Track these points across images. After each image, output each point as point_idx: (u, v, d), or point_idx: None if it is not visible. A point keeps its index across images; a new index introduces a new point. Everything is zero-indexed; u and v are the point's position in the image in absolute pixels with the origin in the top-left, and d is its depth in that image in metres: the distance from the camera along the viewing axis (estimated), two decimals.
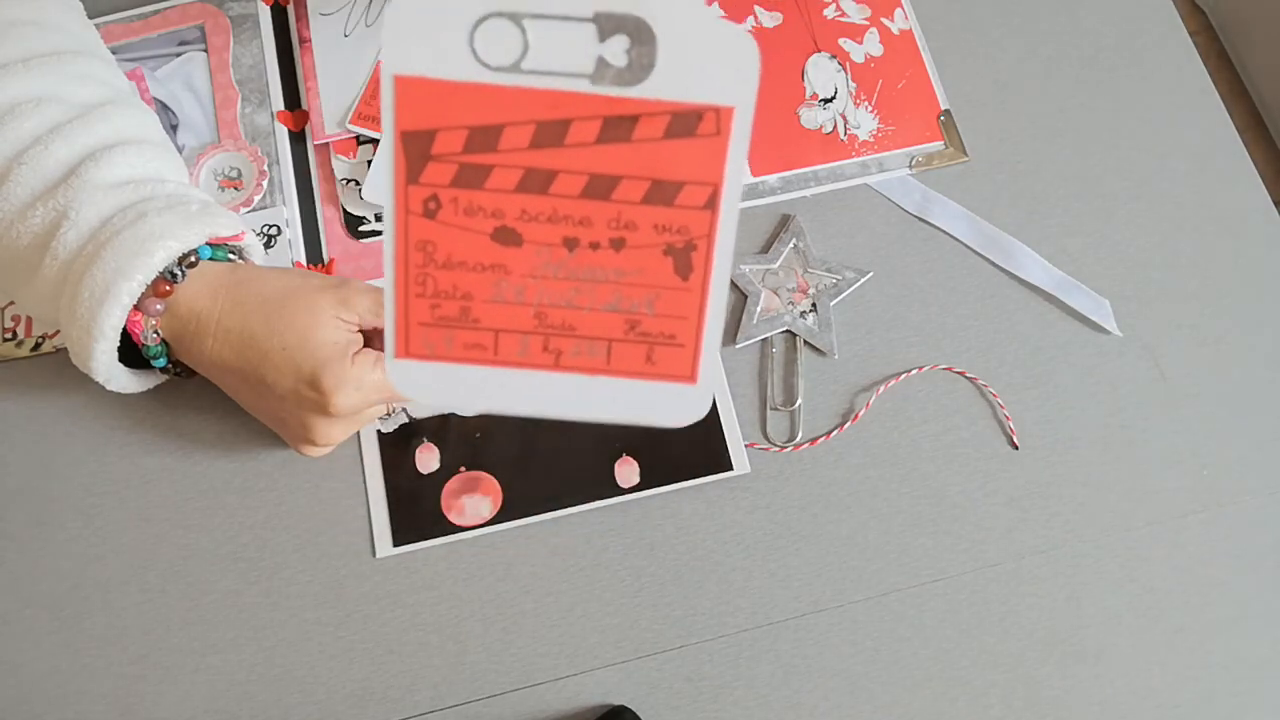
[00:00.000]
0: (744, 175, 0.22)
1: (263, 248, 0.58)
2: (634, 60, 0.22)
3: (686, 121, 0.23)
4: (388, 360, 0.26)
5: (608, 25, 0.22)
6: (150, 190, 0.51)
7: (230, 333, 0.50)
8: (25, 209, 0.49)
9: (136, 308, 0.49)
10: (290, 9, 0.68)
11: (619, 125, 0.22)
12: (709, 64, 0.22)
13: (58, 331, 0.61)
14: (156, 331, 0.51)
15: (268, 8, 0.68)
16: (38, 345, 0.60)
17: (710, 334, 0.24)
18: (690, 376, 0.24)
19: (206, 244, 0.51)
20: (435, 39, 0.22)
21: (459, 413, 0.28)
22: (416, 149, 0.23)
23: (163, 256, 0.48)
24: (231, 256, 0.54)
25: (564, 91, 0.22)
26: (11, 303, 0.62)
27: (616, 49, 0.22)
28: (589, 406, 0.25)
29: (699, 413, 0.24)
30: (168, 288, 0.50)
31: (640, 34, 0.22)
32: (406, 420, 0.58)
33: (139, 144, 0.53)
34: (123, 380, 0.53)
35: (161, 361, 0.53)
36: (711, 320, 0.24)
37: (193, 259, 0.51)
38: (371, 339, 0.52)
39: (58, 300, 0.50)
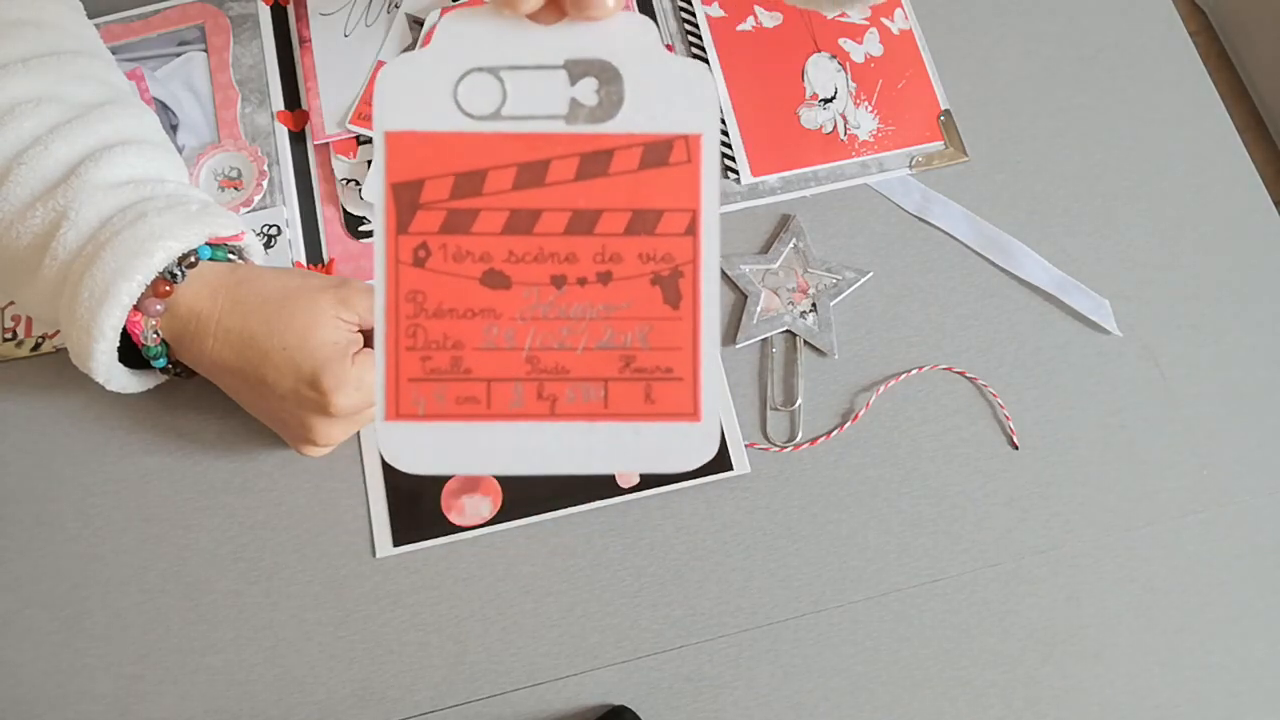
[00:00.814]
0: (719, 199, 0.23)
1: (262, 247, 0.58)
2: (604, 99, 0.24)
3: (659, 151, 0.24)
4: (378, 425, 0.25)
5: (576, 70, 0.24)
6: (150, 190, 0.51)
7: (230, 333, 0.50)
8: (25, 209, 0.49)
9: (136, 308, 0.49)
10: (290, 9, 0.68)
11: (596, 160, 0.24)
12: (672, 96, 0.23)
13: (58, 331, 0.61)
14: (156, 332, 0.51)
15: (268, 8, 0.68)
16: (38, 345, 0.60)
17: (708, 364, 0.24)
18: (693, 413, 0.24)
19: (206, 244, 0.51)
20: (422, 95, 0.24)
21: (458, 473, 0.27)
22: (406, 199, 0.24)
23: (162, 257, 0.48)
24: (231, 256, 0.54)
25: (542, 133, 0.24)
26: (12, 303, 0.62)
27: (587, 90, 0.24)
28: (591, 457, 0.25)
29: (708, 453, 0.24)
30: (167, 288, 0.50)
31: (607, 75, 0.24)
32: None
33: (139, 144, 0.53)
34: (122, 380, 0.53)
35: (161, 362, 0.53)
36: (707, 349, 0.24)
37: (192, 259, 0.51)
38: (371, 339, 0.52)
39: (57, 300, 0.50)
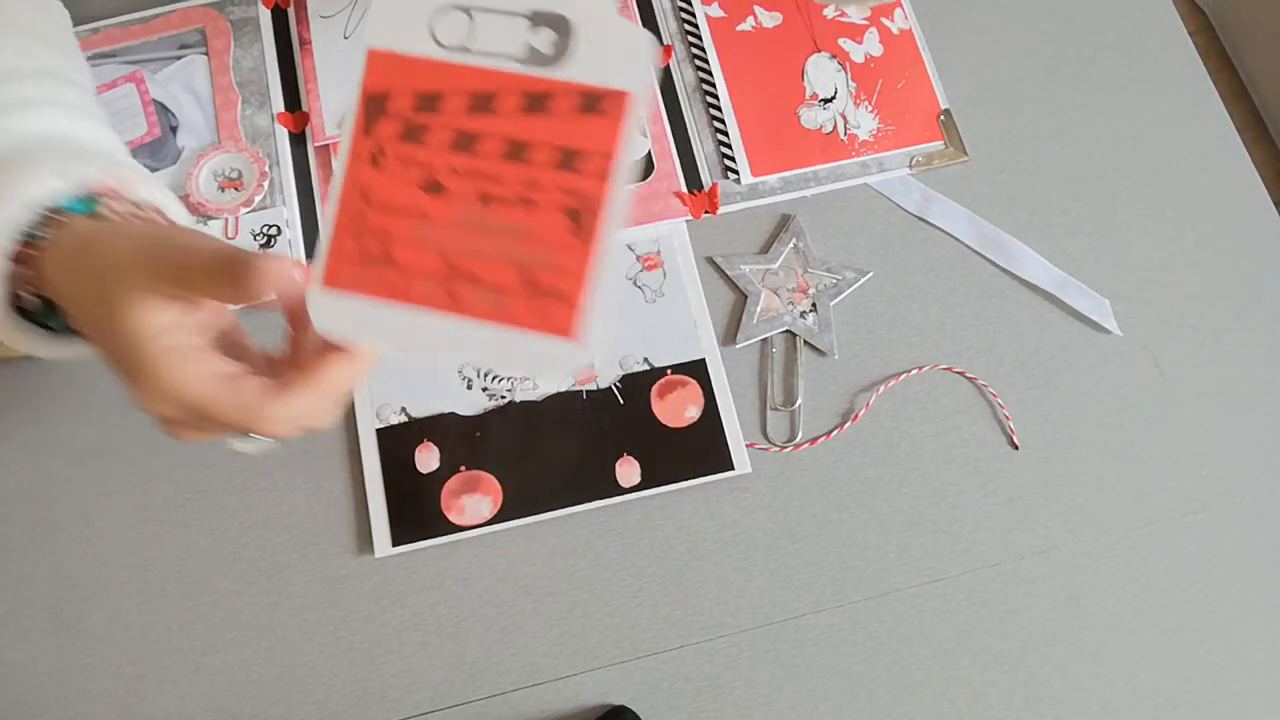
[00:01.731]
0: (634, 151, 0.28)
1: (176, 205, 0.48)
2: (556, 48, 0.27)
3: (592, 100, 0.27)
4: (310, 292, 0.29)
5: (538, 20, 0.27)
6: (66, 142, 0.46)
7: (72, 307, 0.43)
8: None
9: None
10: (291, 12, 0.68)
11: (538, 100, 0.27)
12: (614, 56, 0.27)
13: None
14: (36, 294, 0.44)
15: (268, 11, 0.68)
16: None
17: (595, 294, 0.28)
18: (573, 334, 0.28)
19: (97, 197, 0.44)
20: (403, 22, 0.27)
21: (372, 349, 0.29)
22: (374, 108, 0.28)
23: (48, 187, 0.42)
24: (122, 210, 0.46)
25: (498, 70, 0.27)
26: None
27: (543, 39, 0.27)
28: (480, 350, 0.29)
29: (576, 368, 0.29)
30: (32, 251, 0.42)
31: (562, 28, 0.27)
32: (267, 445, 0.51)
33: (64, 106, 0.48)
34: (36, 343, 0.46)
35: (60, 322, 0.45)
36: (597, 281, 0.28)
37: (63, 217, 0.43)
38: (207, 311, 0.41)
39: None
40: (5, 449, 0.59)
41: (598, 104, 0.27)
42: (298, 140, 0.65)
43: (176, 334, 0.39)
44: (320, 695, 0.55)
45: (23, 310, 0.45)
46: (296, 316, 0.37)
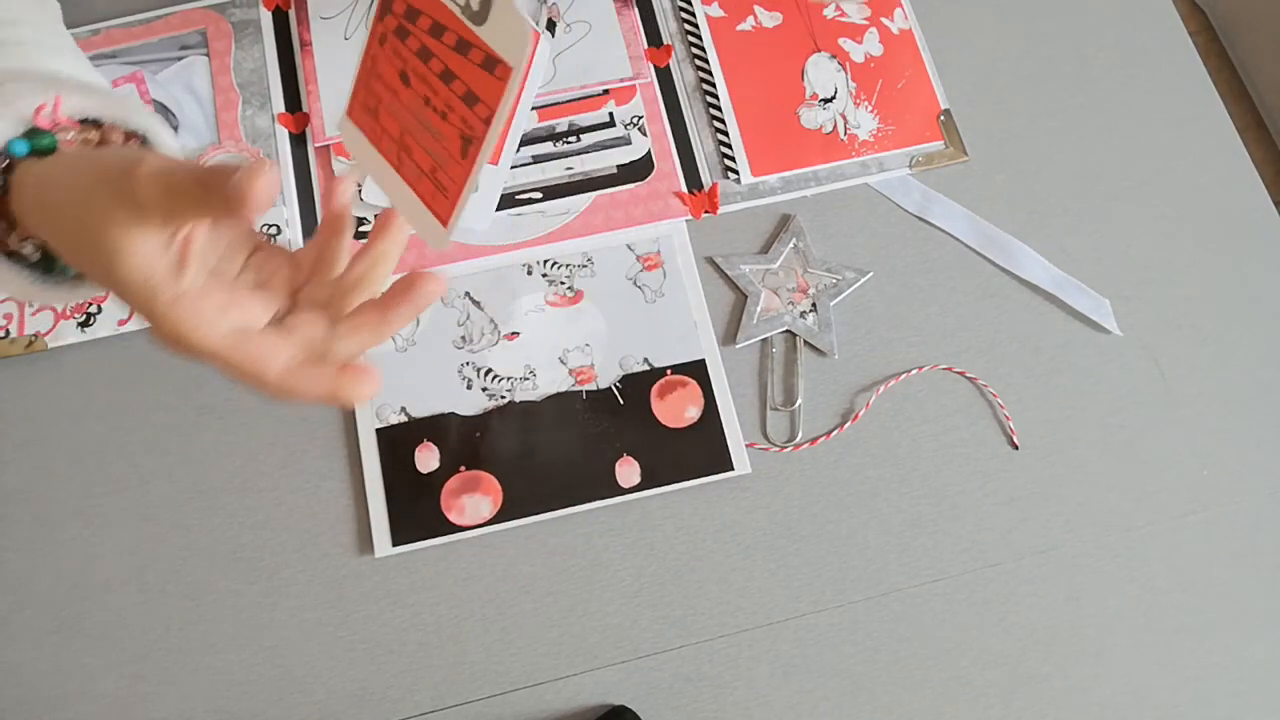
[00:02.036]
0: (509, 111, 0.34)
1: (158, 125, 0.44)
2: (481, 8, 0.33)
3: (489, 62, 0.33)
4: (342, 116, 0.39)
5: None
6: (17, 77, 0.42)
7: (66, 256, 0.40)
8: None
9: None
10: (291, 13, 0.68)
11: (464, 45, 0.34)
12: (506, 30, 0.32)
13: (51, 330, 0.61)
14: (27, 244, 0.42)
15: (269, 12, 0.68)
16: (30, 343, 0.61)
17: (463, 201, 0.35)
18: (445, 221, 0.36)
19: (45, 130, 0.41)
20: None
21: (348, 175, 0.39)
22: (385, 4, 0.36)
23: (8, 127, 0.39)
24: (76, 139, 0.42)
25: (449, 10, 0.34)
26: (4, 300, 0.62)
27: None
28: (398, 201, 0.38)
29: (440, 245, 0.36)
30: None
31: None
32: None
33: (38, 47, 0.45)
34: (21, 286, 0.42)
35: (70, 270, 0.43)
36: (467, 190, 0.35)
37: (5, 160, 0.39)
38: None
39: None
40: (5, 449, 0.59)
41: (493, 67, 0.33)
42: (298, 141, 0.65)
43: (182, 275, 0.36)
44: (320, 695, 0.55)
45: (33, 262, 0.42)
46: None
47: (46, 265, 0.42)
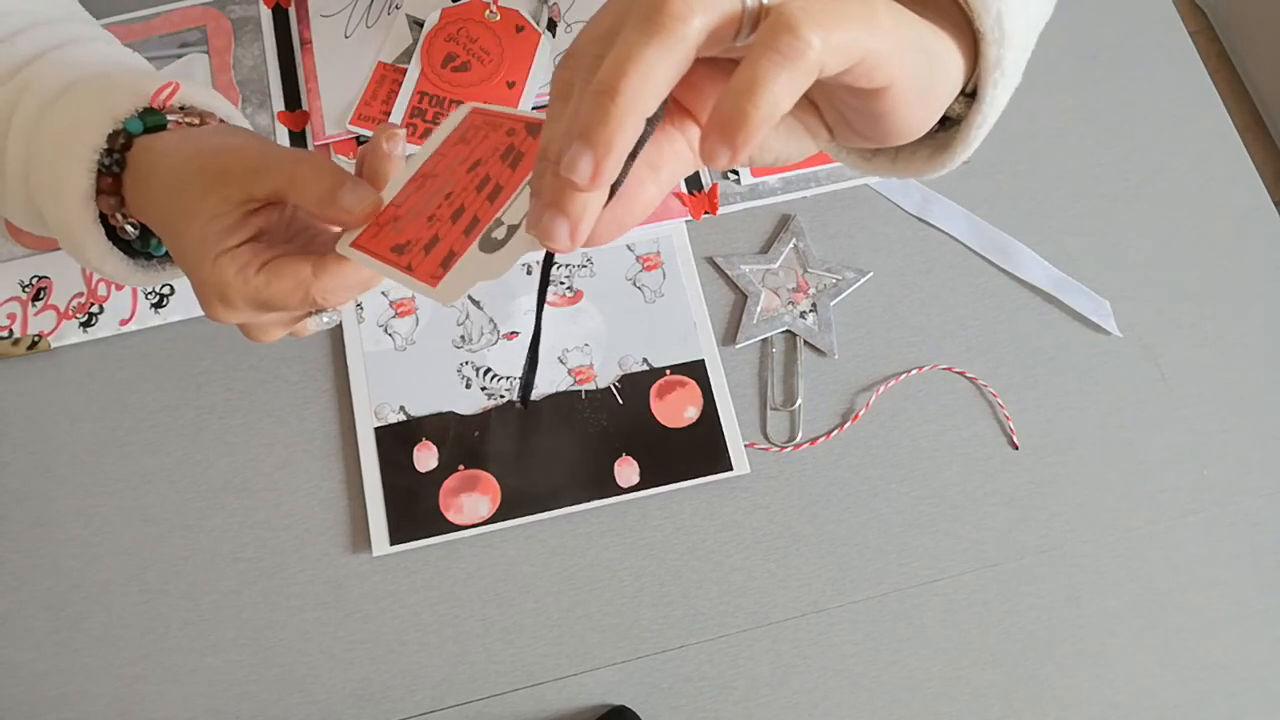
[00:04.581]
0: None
1: (235, 111, 0.51)
2: (494, 242, 0.33)
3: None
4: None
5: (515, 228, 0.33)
6: (119, 68, 0.47)
7: (152, 224, 0.45)
8: None
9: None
10: (291, 11, 0.68)
11: (515, 158, 0.35)
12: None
13: (54, 329, 0.61)
14: (131, 223, 0.46)
15: (269, 10, 0.68)
16: (34, 344, 0.61)
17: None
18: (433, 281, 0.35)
19: (158, 111, 0.46)
20: None
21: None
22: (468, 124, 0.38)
23: (127, 104, 0.43)
24: (179, 121, 0.47)
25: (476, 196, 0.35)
26: (7, 300, 0.62)
27: (500, 232, 0.33)
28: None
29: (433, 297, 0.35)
30: (111, 181, 0.44)
31: (505, 240, 0.33)
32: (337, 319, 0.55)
33: (108, 41, 0.50)
34: (122, 268, 0.47)
35: (161, 249, 0.48)
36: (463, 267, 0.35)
37: (124, 139, 0.44)
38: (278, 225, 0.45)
39: (29, 181, 0.45)
40: (5, 449, 0.59)
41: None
42: (298, 139, 0.65)
43: (230, 236, 0.41)
44: (320, 695, 0.55)
45: (124, 243, 0.47)
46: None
47: (142, 243, 0.47)
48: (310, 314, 0.45)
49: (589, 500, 0.57)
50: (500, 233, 0.33)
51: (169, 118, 0.46)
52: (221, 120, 0.49)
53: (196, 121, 0.48)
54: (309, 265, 0.42)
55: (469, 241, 0.34)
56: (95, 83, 0.44)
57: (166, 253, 0.48)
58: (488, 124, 0.37)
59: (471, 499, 0.57)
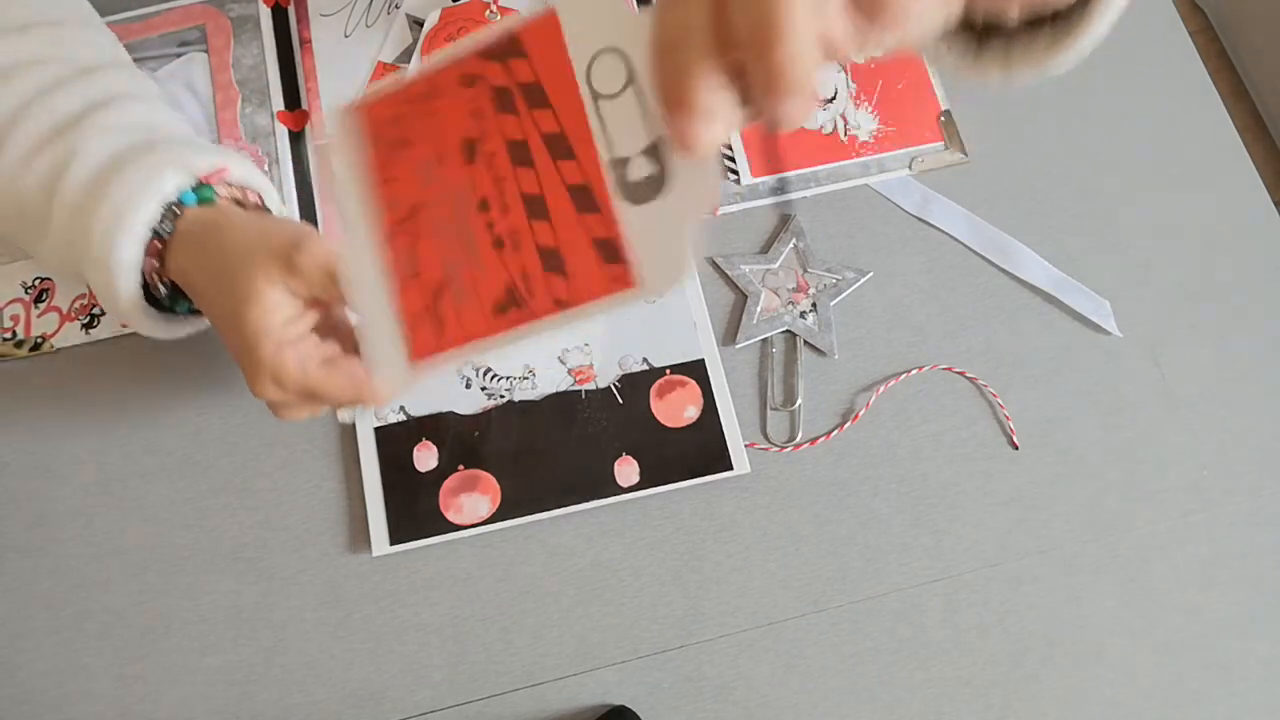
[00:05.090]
0: (587, 319, 0.27)
1: (273, 189, 0.54)
2: (639, 186, 0.25)
3: (612, 252, 0.25)
4: (341, 105, 0.29)
5: (654, 151, 0.25)
6: (160, 134, 0.50)
7: (194, 290, 0.48)
8: (32, 154, 0.48)
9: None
10: (291, 10, 0.68)
11: (587, 199, 0.26)
12: (659, 249, 0.25)
13: (56, 331, 0.61)
14: (164, 283, 0.50)
15: (268, 9, 0.68)
16: (37, 345, 0.61)
17: (457, 357, 0.29)
18: (416, 357, 0.31)
19: (208, 184, 0.50)
20: (592, 27, 0.25)
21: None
22: (506, 48, 0.27)
23: (174, 184, 0.47)
24: (220, 195, 0.51)
25: (594, 143, 0.25)
26: (10, 302, 0.62)
27: (640, 168, 0.25)
28: (366, 293, 0.33)
29: (394, 385, 0.32)
30: (159, 244, 0.48)
31: (657, 181, 0.25)
32: (365, 416, 0.56)
33: (145, 99, 0.52)
34: (152, 325, 0.51)
35: (185, 306, 0.51)
36: (470, 352, 0.29)
37: (177, 209, 0.48)
38: (327, 310, 0.48)
39: (73, 245, 0.48)
40: (5, 449, 0.59)
41: (611, 259, 0.26)
42: (297, 139, 0.65)
43: (291, 328, 0.45)
44: (320, 695, 0.55)
45: (151, 298, 0.50)
46: None
47: (170, 300, 0.51)
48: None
49: (589, 500, 0.57)
50: (639, 169, 0.25)
51: (218, 192, 0.50)
52: (260, 197, 0.53)
53: (239, 195, 0.52)
54: (363, 367, 0.45)
55: (605, 221, 0.26)
56: (147, 158, 0.47)
57: (189, 310, 0.52)
58: (404, 116, 0.29)
59: (471, 499, 0.57)
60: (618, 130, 0.25)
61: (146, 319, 0.50)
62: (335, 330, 0.49)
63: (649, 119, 0.24)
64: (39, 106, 0.49)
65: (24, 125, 0.48)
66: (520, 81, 0.26)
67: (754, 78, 0.23)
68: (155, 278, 0.49)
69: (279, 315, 0.45)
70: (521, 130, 0.26)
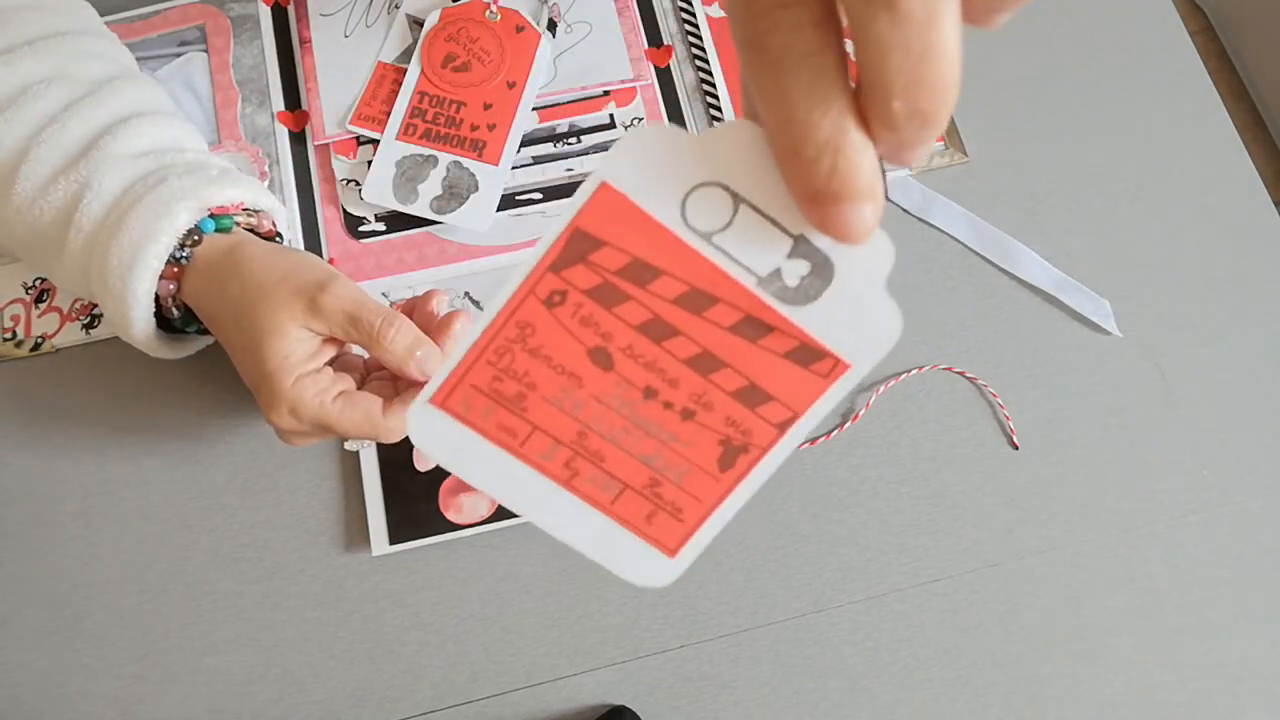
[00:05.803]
0: (818, 419, 0.24)
1: (283, 210, 0.57)
2: (801, 286, 0.23)
3: (809, 355, 0.24)
4: (417, 402, 0.26)
5: (801, 249, 0.23)
6: (170, 159, 0.52)
7: (210, 316, 0.50)
8: (46, 185, 0.49)
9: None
10: (291, 9, 0.68)
11: (755, 327, 0.24)
12: (856, 325, 0.23)
13: (57, 332, 0.61)
14: (177, 306, 0.52)
15: (268, 8, 0.68)
16: (37, 345, 0.61)
17: (713, 526, 0.26)
18: (673, 551, 0.26)
19: (224, 214, 0.51)
20: (658, 175, 0.23)
21: (456, 474, 0.27)
22: (577, 247, 0.24)
23: (186, 218, 0.48)
24: (239, 222, 0.53)
25: (732, 278, 0.23)
26: (10, 302, 0.62)
27: (794, 270, 0.23)
28: (573, 530, 0.27)
29: (662, 583, 0.26)
30: (176, 269, 0.49)
31: (822, 271, 0.23)
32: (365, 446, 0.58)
33: (154, 114, 0.53)
34: (163, 348, 0.53)
35: (195, 328, 0.53)
36: (721, 516, 0.26)
37: (196, 236, 0.50)
38: (344, 349, 0.50)
39: (88, 273, 0.50)
40: (5, 449, 0.59)
41: (811, 361, 0.24)
42: (297, 139, 0.65)
43: (310, 362, 0.47)
44: (320, 695, 0.55)
45: (161, 318, 0.52)
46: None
47: (181, 323, 0.53)
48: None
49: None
50: (794, 273, 0.23)
51: (235, 219, 0.52)
52: (274, 223, 0.55)
53: (255, 221, 0.54)
54: (379, 403, 0.47)
55: (786, 335, 0.24)
56: (159, 192, 0.49)
57: (197, 330, 0.53)
58: (505, 371, 0.25)
59: (471, 499, 0.57)
60: (749, 255, 0.23)
61: (157, 343, 0.52)
62: (349, 365, 0.51)
63: (780, 224, 0.23)
64: (51, 134, 0.50)
65: (38, 154, 0.49)
66: (614, 270, 0.24)
67: (900, 121, 0.20)
68: (169, 302, 0.51)
69: (300, 350, 0.47)
70: (647, 311, 0.24)
